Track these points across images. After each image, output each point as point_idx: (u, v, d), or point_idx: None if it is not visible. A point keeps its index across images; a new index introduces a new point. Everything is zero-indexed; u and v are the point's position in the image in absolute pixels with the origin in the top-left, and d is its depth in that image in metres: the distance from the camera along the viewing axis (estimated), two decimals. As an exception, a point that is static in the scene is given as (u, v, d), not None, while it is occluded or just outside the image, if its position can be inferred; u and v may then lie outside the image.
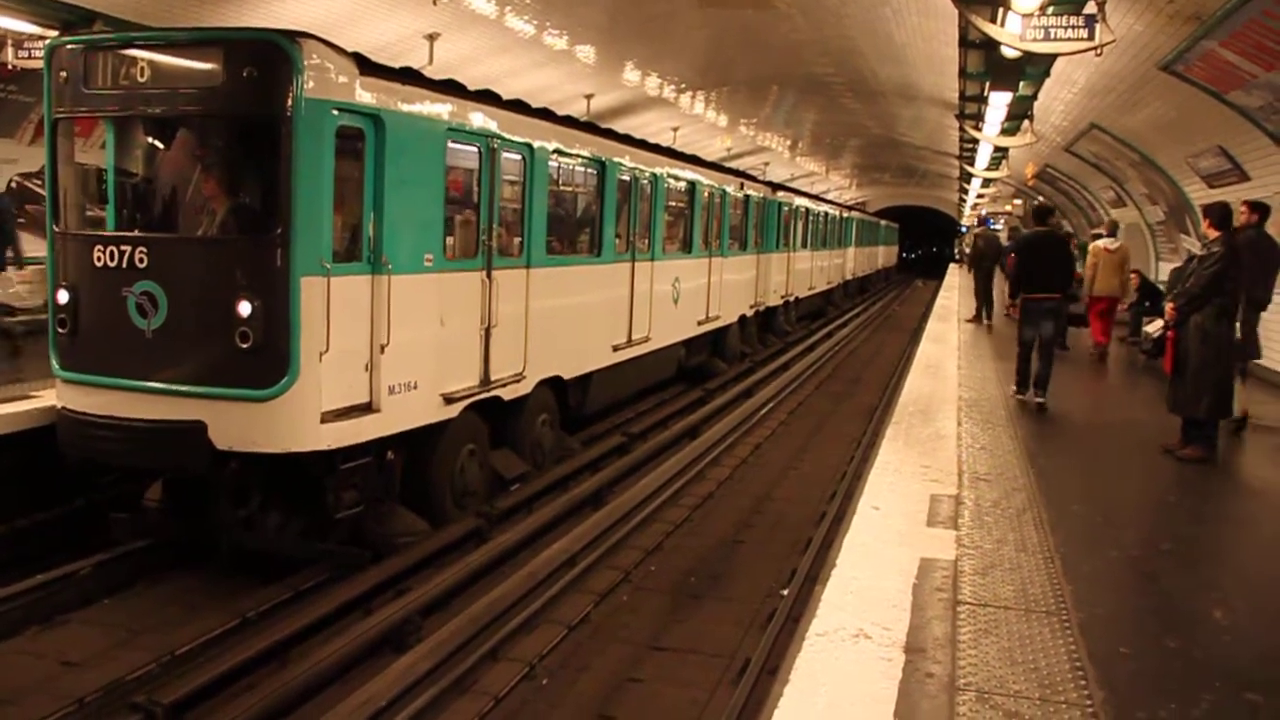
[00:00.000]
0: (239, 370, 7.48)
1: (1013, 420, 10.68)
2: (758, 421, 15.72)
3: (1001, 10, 10.48)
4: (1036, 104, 17.43)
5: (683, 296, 16.33)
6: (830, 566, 6.22)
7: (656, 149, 15.80)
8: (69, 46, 8.16)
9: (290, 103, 7.34)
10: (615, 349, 13.42)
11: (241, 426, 7.52)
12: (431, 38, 16.61)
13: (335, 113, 7.65)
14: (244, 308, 7.37)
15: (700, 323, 17.63)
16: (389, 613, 7.22)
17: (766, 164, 38.41)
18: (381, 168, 8.09)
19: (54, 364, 8.24)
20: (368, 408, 8.10)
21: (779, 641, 7.26)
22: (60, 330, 8.12)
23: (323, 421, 7.64)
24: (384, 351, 8.13)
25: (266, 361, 7.41)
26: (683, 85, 25.21)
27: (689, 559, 9.48)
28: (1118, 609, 5.87)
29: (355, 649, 6.73)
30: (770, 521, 10.82)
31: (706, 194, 17.57)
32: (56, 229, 8.31)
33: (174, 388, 7.63)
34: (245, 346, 7.39)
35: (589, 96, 23.03)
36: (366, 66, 8.07)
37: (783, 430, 15.63)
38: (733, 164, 28.93)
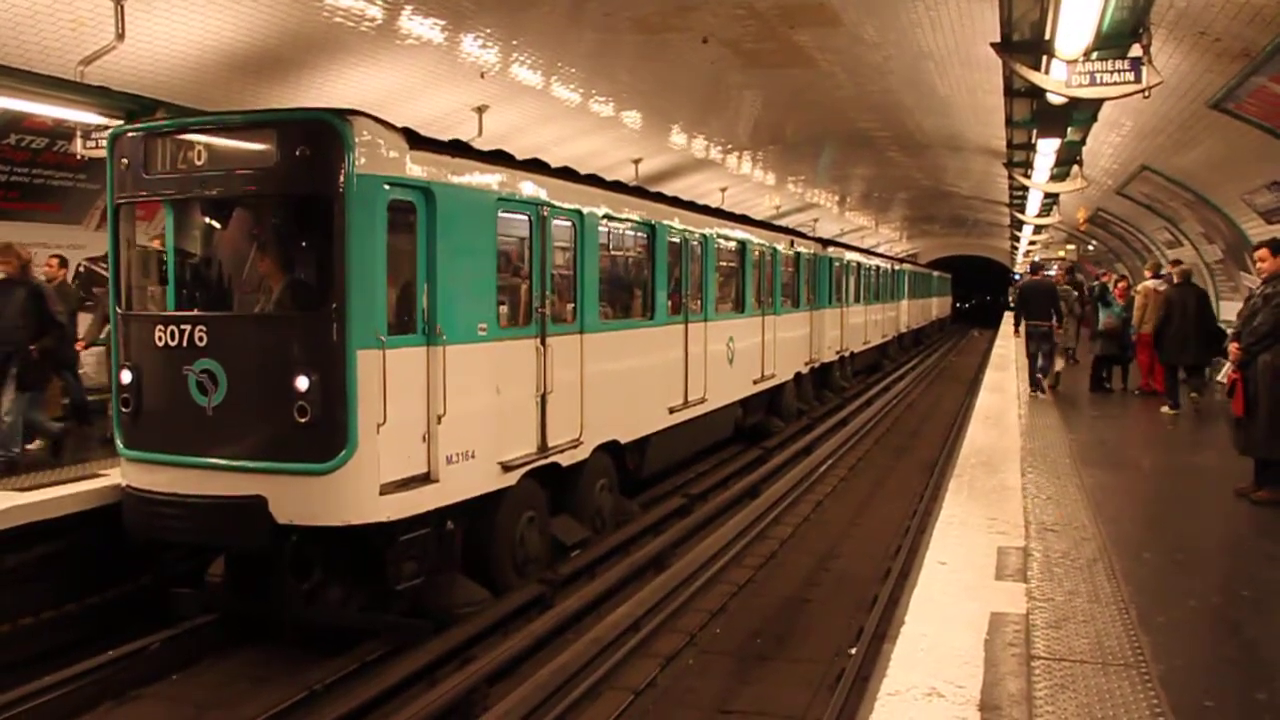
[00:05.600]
0: (298, 444, 7.56)
1: (1078, 469, 10.48)
2: (818, 478, 15.59)
3: (1045, 58, 10.46)
4: (1085, 149, 17.32)
5: (737, 356, 16.29)
6: (898, 624, 6.12)
7: (705, 210, 15.91)
8: (130, 134, 8.42)
9: (342, 179, 7.49)
10: (671, 411, 13.37)
11: (301, 500, 7.59)
12: (480, 110, 16.89)
13: (386, 187, 7.78)
14: (301, 382, 7.45)
15: (756, 381, 17.57)
16: (455, 682, 7.20)
17: (816, 220, 38.43)
18: (433, 240, 8.20)
19: (118, 443, 8.38)
20: (426, 478, 8.14)
21: (849, 702, 7.14)
22: (124, 409, 8.25)
23: (381, 493, 7.67)
24: (441, 422, 8.16)
25: (325, 435, 7.48)
26: (729, 146, 25.37)
27: (754, 620, 9.38)
28: (1199, 660, 5.70)
29: (423, 719, 6.70)
30: (835, 579, 10.68)
31: (757, 253, 17.65)
32: (120, 310, 8.53)
33: (234, 463, 7.73)
34: (303, 421, 7.47)
35: (637, 161, 23.24)
36: (416, 141, 8.21)
37: (844, 486, 15.48)
38: (782, 221, 28.99)
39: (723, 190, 28.73)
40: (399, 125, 8.16)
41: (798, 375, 21.09)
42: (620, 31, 14.86)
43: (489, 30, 14.26)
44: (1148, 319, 15.83)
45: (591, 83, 17.74)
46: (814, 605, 9.87)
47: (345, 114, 7.66)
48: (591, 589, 9.38)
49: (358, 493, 7.58)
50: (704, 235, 14.75)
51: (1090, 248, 38.58)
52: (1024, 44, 10.91)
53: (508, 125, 17.52)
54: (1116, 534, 7.93)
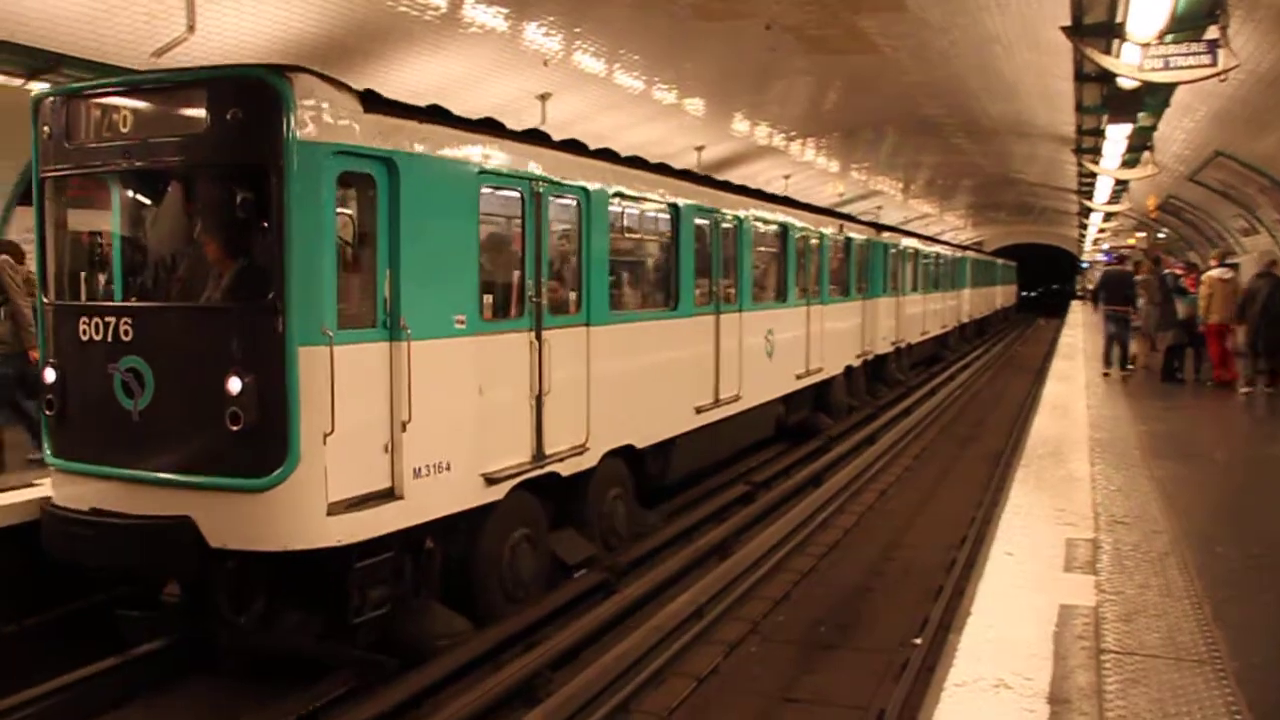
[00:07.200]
0: (230, 456, 6.59)
1: (1149, 460, 10.31)
2: (881, 468, 15.46)
3: (1117, 41, 10.27)
4: (1157, 134, 17.01)
5: (778, 349, 15.09)
6: (965, 615, 6.07)
7: (741, 190, 14.78)
8: (50, 99, 7.41)
9: (281, 147, 6.46)
10: (699, 411, 12.18)
11: (235, 521, 6.60)
12: (543, 97, 17.00)
13: (336, 156, 6.77)
14: (234, 384, 6.47)
15: (799, 376, 16.38)
16: (520, 666, 7.25)
17: (879, 208, 38.15)
18: (396, 218, 7.14)
19: (45, 450, 7.48)
20: (389, 494, 7.10)
21: (914, 692, 7.08)
22: (48, 412, 7.32)
23: (330, 513, 6.63)
24: (406, 429, 7.12)
25: (261, 446, 6.49)
26: (792, 133, 25.26)
27: (818, 608, 9.34)
28: (1277, 658, 5.58)
29: (488, 702, 6.76)
30: (900, 569, 10.60)
31: (801, 238, 16.50)
32: (45, 300, 7.58)
33: (161, 477, 6.77)
34: (237, 429, 6.46)
35: (700, 148, 23.23)
36: (374, 103, 7.21)
37: (908, 476, 15.35)
38: (845, 209, 28.82)
39: (786, 177, 28.62)
40: (356, 87, 7.22)
41: (848, 369, 19.99)
42: (683, 19, 14.86)
43: (552, 18, 14.35)
44: (1214, 309, 15.64)
45: (654, 70, 17.77)
46: (878, 594, 9.81)
47: (284, 70, 6.62)
48: (655, 575, 9.37)
49: (301, 513, 6.56)
50: (739, 218, 13.59)
51: (1161, 235, 37.84)
52: (1095, 27, 10.73)
53: (572, 112, 17.61)
54: (1189, 527, 7.79)
